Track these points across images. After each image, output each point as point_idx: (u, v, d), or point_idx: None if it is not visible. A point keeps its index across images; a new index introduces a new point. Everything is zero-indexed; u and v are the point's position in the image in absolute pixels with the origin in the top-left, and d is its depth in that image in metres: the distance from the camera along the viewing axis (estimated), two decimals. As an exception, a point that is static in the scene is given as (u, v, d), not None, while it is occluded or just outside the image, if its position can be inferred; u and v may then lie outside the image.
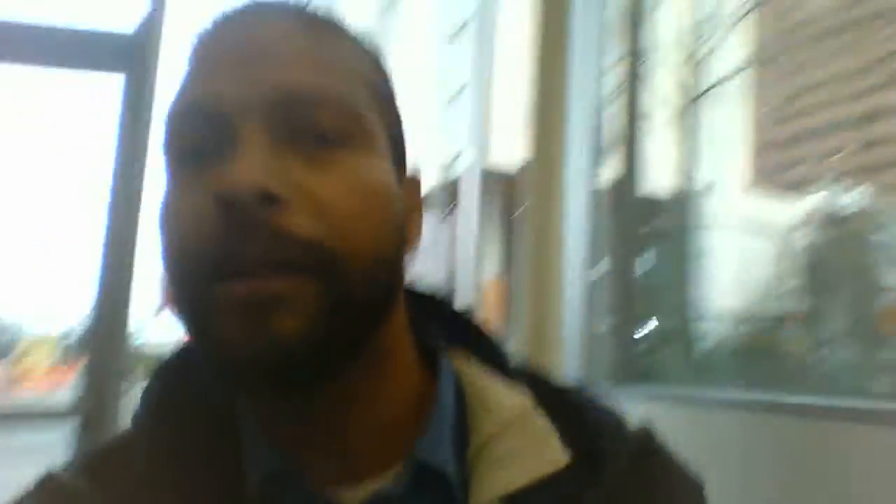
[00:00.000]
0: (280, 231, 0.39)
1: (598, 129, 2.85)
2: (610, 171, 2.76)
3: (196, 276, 0.40)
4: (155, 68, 2.07)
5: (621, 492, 0.46)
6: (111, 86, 2.10)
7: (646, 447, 0.50)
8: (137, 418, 0.49)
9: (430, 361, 0.51)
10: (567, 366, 2.58)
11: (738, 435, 1.74)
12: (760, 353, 2.36)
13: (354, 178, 0.42)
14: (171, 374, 0.50)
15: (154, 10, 2.03)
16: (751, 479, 1.66)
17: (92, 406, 1.76)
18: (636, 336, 2.53)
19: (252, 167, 0.39)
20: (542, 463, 0.46)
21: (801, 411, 1.72)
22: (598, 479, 0.46)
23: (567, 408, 0.50)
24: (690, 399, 2.18)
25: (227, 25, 0.44)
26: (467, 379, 0.51)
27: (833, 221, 2.25)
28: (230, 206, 0.38)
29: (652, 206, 3.07)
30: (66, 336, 4.30)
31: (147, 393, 0.50)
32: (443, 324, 0.54)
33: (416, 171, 0.52)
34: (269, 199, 0.39)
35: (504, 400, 0.49)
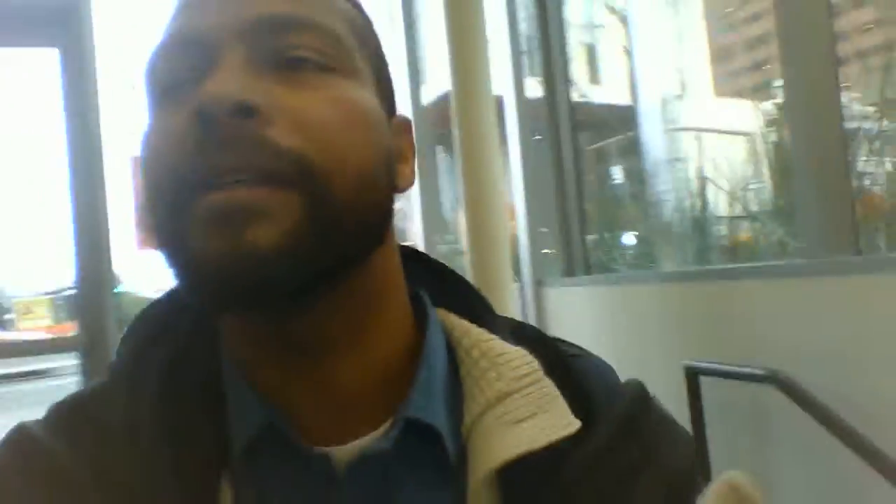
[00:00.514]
0: (259, 140, 0.38)
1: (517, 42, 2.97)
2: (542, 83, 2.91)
3: (174, 191, 0.38)
4: (90, 39, 2.14)
5: (616, 449, 0.44)
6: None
7: (638, 405, 0.48)
8: (115, 369, 0.47)
9: (418, 316, 0.49)
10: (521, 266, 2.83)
11: (664, 302, 2.00)
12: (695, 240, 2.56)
13: (336, 95, 0.41)
14: (152, 323, 0.48)
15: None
16: (671, 340, 1.93)
17: (88, 340, 2.00)
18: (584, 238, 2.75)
19: (228, 81, 0.38)
20: (556, 426, 0.43)
21: (709, 275, 1.99)
22: (591, 438, 0.44)
23: (559, 365, 0.48)
24: (625, 279, 2.45)
25: None
26: (461, 333, 0.48)
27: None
28: (207, 117, 0.37)
29: (610, 114, 3.20)
30: (56, 295, 4.42)
31: (126, 342, 0.48)
32: (428, 279, 0.52)
33: (405, 116, 0.51)
34: (246, 110, 0.38)
35: (513, 355, 0.46)
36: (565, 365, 0.49)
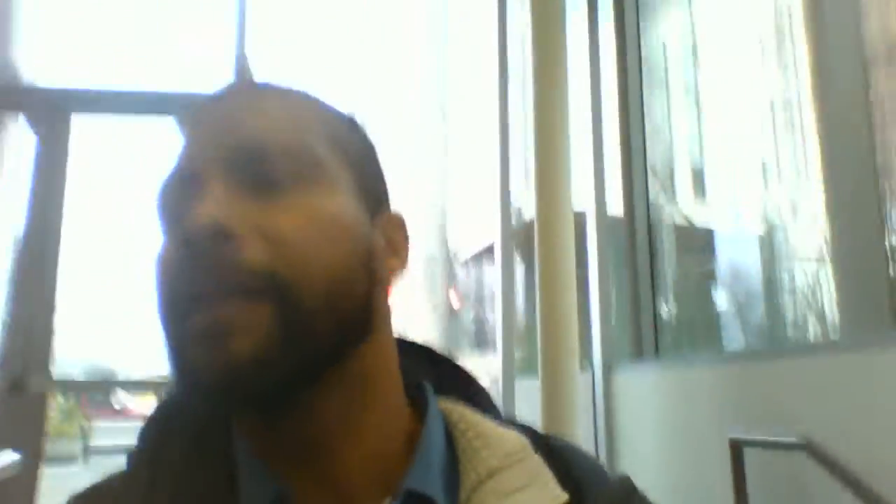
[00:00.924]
0: (232, 262, 0.42)
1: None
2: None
3: (171, 311, 0.44)
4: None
5: None
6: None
7: (626, 493, 0.51)
8: (133, 457, 0.50)
9: (419, 405, 0.53)
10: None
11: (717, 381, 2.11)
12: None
13: (307, 211, 0.45)
14: (169, 413, 0.51)
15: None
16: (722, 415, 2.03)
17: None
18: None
19: (208, 209, 0.43)
20: (547, 498, 0.47)
21: (756, 355, 2.10)
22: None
23: (553, 451, 0.52)
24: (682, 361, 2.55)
25: (207, 104, 0.49)
26: (458, 417, 0.52)
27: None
28: (189, 244, 0.42)
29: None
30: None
31: (145, 431, 0.51)
32: (433, 372, 0.56)
33: (398, 211, 0.55)
34: (222, 234, 0.42)
35: (505, 436, 0.50)
36: (552, 446, 0.53)
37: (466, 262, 10.36)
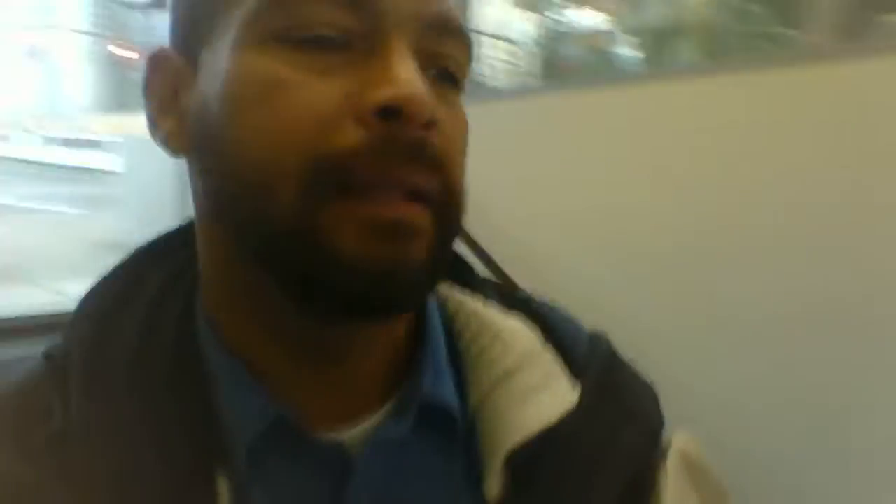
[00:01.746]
0: (436, 160, 0.37)
1: None
2: None
3: (311, 179, 0.35)
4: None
5: (602, 411, 0.45)
6: None
7: (611, 361, 0.49)
8: (69, 348, 0.41)
9: None
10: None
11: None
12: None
13: (461, 117, 0.41)
14: (119, 296, 0.43)
15: None
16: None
17: None
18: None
19: (418, 81, 0.35)
20: (562, 400, 0.44)
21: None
22: (581, 405, 0.44)
23: (548, 331, 0.48)
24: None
25: None
26: (456, 305, 0.48)
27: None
28: (405, 121, 0.35)
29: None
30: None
31: (76, 327, 0.42)
32: None
33: None
34: (432, 125, 0.36)
35: (517, 331, 0.46)
36: (553, 329, 0.49)
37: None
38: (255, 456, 0.39)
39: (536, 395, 0.43)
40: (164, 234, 0.48)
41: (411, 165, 0.36)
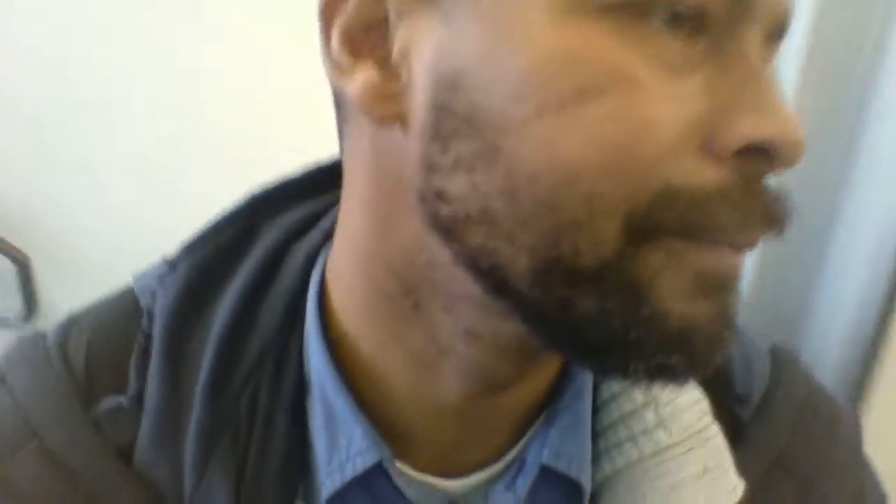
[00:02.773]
0: (780, 206, 0.28)
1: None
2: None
3: (643, 220, 0.26)
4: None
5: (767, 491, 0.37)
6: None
7: (806, 400, 0.39)
8: (152, 330, 0.35)
9: None
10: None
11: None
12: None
13: None
14: (218, 263, 0.36)
15: None
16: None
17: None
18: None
19: (797, 119, 0.26)
20: (722, 491, 0.35)
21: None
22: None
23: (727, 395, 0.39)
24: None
25: None
26: None
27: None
28: (769, 165, 0.27)
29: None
30: None
31: (173, 288, 0.35)
32: None
33: None
34: None
35: (685, 401, 0.36)
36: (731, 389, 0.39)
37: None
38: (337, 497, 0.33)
39: (686, 482, 0.35)
40: (291, 181, 0.40)
41: (767, 222, 0.27)
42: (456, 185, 0.27)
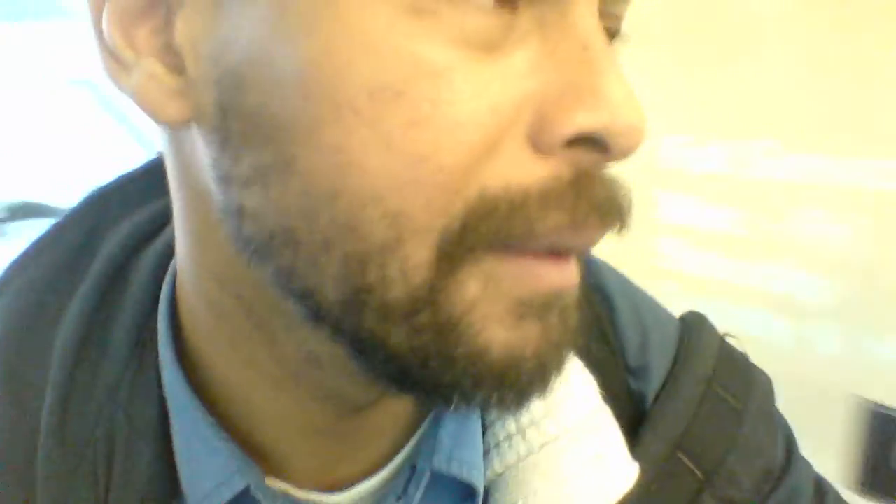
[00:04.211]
0: (623, 199, 0.24)
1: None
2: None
3: (458, 237, 0.22)
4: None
5: (665, 475, 0.34)
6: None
7: (714, 370, 0.36)
8: None
9: None
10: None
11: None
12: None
13: None
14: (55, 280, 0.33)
15: None
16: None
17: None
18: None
19: (643, 111, 0.22)
20: (616, 478, 0.33)
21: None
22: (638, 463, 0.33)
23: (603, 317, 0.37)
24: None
25: None
26: None
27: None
28: (606, 156, 0.22)
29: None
30: None
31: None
32: None
33: None
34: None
35: (569, 392, 0.34)
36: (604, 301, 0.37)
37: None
38: None
39: (579, 472, 0.32)
40: (126, 178, 0.36)
41: (603, 219, 0.23)
42: (252, 200, 0.23)
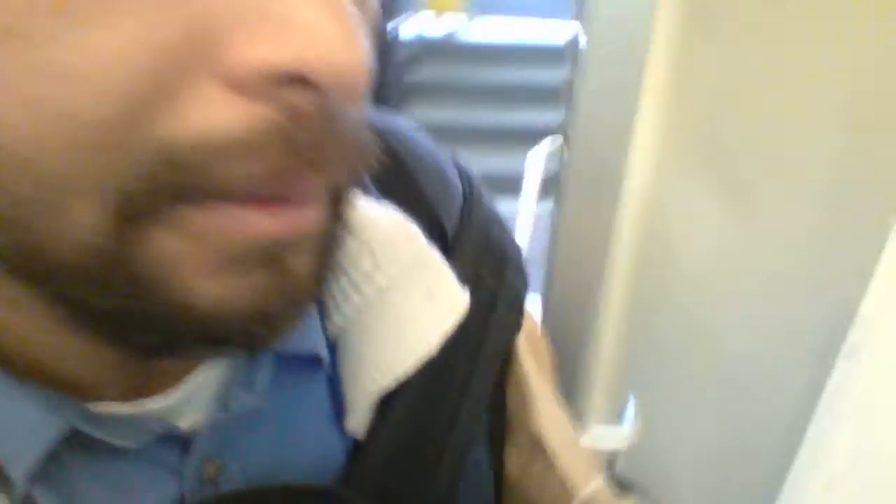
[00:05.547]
0: (356, 142, 0.22)
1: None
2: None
3: (139, 194, 0.19)
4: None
5: (473, 293, 0.35)
6: None
7: (487, 224, 0.39)
8: None
9: None
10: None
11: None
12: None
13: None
14: None
15: None
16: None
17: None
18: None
19: (356, 33, 0.19)
20: (449, 311, 0.33)
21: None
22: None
23: (402, 170, 0.37)
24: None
25: None
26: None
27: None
28: (318, 93, 0.19)
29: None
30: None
31: None
32: None
33: None
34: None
35: (395, 235, 0.34)
36: (426, 200, 0.37)
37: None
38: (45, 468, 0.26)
39: (415, 313, 0.33)
40: None
41: (322, 165, 0.21)
42: None
